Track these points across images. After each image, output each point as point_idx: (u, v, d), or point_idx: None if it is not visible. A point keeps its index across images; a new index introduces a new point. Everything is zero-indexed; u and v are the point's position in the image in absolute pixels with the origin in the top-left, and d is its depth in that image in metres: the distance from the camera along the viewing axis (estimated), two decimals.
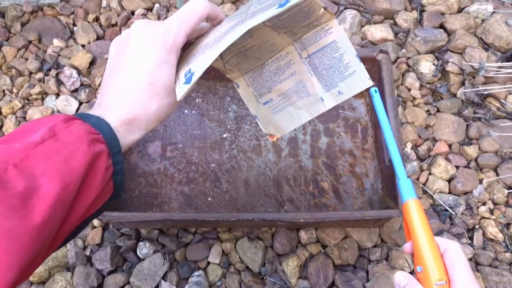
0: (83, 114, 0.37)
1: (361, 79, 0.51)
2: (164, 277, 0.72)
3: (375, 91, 0.51)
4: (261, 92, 0.56)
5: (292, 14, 0.45)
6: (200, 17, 0.40)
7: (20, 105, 0.86)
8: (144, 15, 0.95)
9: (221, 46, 0.38)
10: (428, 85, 0.87)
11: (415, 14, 0.95)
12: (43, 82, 0.88)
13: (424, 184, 0.79)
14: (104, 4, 0.97)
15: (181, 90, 0.39)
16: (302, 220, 0.65)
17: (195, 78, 0.38)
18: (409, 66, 0.90)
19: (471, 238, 0.75)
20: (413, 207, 0.41)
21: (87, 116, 0.37)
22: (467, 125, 0.84)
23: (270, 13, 0.39)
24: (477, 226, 0.77)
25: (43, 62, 0.90)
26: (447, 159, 0.81)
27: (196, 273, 0.72)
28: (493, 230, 0.75)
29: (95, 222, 0.76)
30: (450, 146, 0.83)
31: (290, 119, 0.56)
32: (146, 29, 0.39)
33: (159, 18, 0.95)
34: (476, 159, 0.82)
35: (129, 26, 0.93)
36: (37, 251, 0.31)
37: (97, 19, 0.96)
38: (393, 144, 0.47)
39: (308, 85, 0.54)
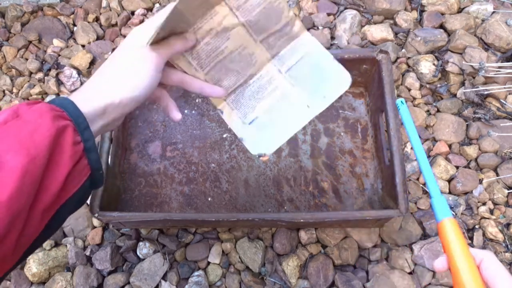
0: (48, 100, 0.38)
1: (343, 80, 0.52)
2: (164, 277, 0.72)
3: (402, 102, 0.50)
4: (246, 112, 0.56)
5: (263, 9, 0.47)
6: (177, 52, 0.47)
7: None
8: (144, 15, 0.95)
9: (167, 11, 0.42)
10: (428, 85, 0.87)
11: (415, 14, 0.95)
12: (43, 82, 0.88)
13: (424, 184, 0.79)
14: (104, 4, 0.97)
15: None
16: (302, 220, 0.65)
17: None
18: (409, 66, 0.90)
19: (471, 238, 0.75)
20: (449, 227, 0.40)
21: (51, 100, 0.38)
22: (467, 125, 0.84)
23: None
24: (477, 226, 0.77)
25: (43, 62, 0.90)
26: (447, 159, 0.81)
27: (196, 273, 0.72)
28: (493, 230, 0.75)
29: (95, 222, 0.76)
30: (450, 146, 0.83)
31: (280, 132, 0.55)
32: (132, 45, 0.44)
33: None
34: (476, 159, 0.82)
35: (130, 27, 0.93)
36: (8, 226, 0.31)
37: (97, 19, 0.96)
38: (425, 162, 0.45)
39: (292, 96, 0.55)
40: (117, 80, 0.42)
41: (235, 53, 0.51)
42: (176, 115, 0.50)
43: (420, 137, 0.82)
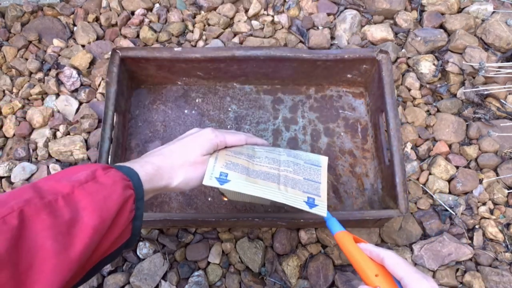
0: (116, 164, 0.44)
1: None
2: (164, 277, 0.72)
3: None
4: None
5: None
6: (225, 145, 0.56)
7: (20, 105, 0.86)
8: (144, 15, 0.95)
9: (255, 192, 0.52)
10: (428, 85, 0.87)
11: (415, 14, 0.95)
12: (43, 82, 0.88)
13: (424, 184, 0.79)
14: (104, 4, 0.97)
15: (211, 181, 0.51)
16: (302, 220, 0.65)
17: (227, 186, 0.51)
18: (409, 66, 0.90)
19: (471, 238, 0.75)
20: (343, 238, 0.50)
21: (119, 166, 0.44)
22: (467, 125, 0.84)
23: (296, 203, 0.53)
24: (477, 226, 0.77)
25: (43, 62, 0.90)
26: (447, 159, 0.81)
27: (196, 273, 0.72)
28: (493, 230, 0.75)
29: None
30: (450, 146, 0.83)
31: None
32: (203, 132, 0.54)
33: (159, 18, 0.95)
34: (476, 159, 0.82)
35: (130, 26, 0.93)
36: (74, 275, 0.35)
37: (97, 19, 0.96)
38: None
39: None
40: (174, 147, 0.51)
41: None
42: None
43: (419, 136, 0.82)
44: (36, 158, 0.81)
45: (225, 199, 0.67)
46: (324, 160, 0.61)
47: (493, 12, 0.94)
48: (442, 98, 0.87)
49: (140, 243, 0.74)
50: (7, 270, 0.31)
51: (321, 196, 0.55)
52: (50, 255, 0.33)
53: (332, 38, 0.93)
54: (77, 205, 0.36)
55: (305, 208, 0.53)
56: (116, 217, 0.39)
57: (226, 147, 0.57)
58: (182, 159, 0.50)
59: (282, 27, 0.94)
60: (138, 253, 0.74)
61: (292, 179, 0.56)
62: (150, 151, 0.53)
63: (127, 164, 0.46)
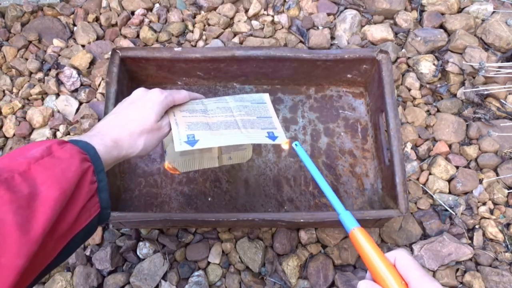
0: (72, 140, 0.44)
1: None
2: (164, 277, 0.72)
3: (296, 145, 0.55)
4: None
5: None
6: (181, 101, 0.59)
7: (20, 105, 0.86)
8: (144, 15, 0.95)
9: (222, 142, 0.56)
10: (428, 85, 0.87)
11: (415, 14, 0.95)
12: (43, 82, 0.88)
13: (424, 184, 0.79)
14: (104, 4, 0.97)
15: (182, 146, 0.54)
16: (302, 220, 0.65)
17: (198, 146, 0.54)
18: (409, 66, 0.90)
19: (471, 238, 0.75)
20: (359, 235, 0.44)
21: (75, 141, 0.44)
22: (467, 125, 0.84)
23: (260, 139, 0.57)
24: (477, 226, 0.77)
25: (43, 62, 0.90)
26: (447, 159, 0.81)
27: (196, 273, 0.72)
28: (493, 230, 0.75)
29: None
30: (450, 146, 0.83)
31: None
32: (152, 96, 0.55)
33: (159, 18, 0.95)
34: (476, 159, 0.82)
35: (129, 27, 0.93)
36: (40, 247, 0.36)
37: (97, 19, 0.96)
38: (325, 185, 0.50)
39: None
40: (128, 115, 0.52)
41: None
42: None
43: (419, 136, 0.82)
44: None
45: (178, 173, 0.71)
46: (266, 96, 0.66)
47: (493, 12, 0.94)
48: (442, 98, 0.87)
49: (140, 243, 0.74)
50: None
51: (277, 128, 0.60)
52: (13, 228, 0.34)
53: (332, 38, 0.93)
54: (35, 180, 0.37)
55: (269, 141, 0.58)
56: (76, 188, 0.39)
57: (175, 106, 0.59)
58: (140, 127, 0.51)
59: (282, 27, 0.94)
60: (138, 253, 0.74)
61: (248, 120, 0.60)
62: (104, 120, 0.52)
63: (83, 138, 0.46)
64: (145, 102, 0.54)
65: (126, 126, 0.51)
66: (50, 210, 0.36)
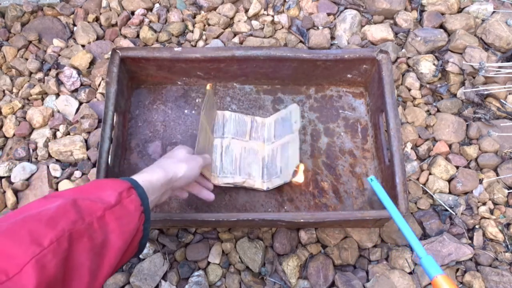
0: (134, 181, 0.50)
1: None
2: (164, 277, 0.72)
3: (371, 179, 0.56)
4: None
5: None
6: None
7: (20, 105, 0.86)
8: (144, 15, 0.95)
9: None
10: (428, 85, 0.87)
11: (415, 14, 0.95)
12: (43, 82, 0.88)
13: (424, 184, 0.79)
14: (104, 4, 0.97)
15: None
16: (302, 220, 0.65)
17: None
18: (409, 66, 0.90)
19: (471, 238, 0.75)
20: (444, 283, 0.42)
21: (137, 184, 0.49)
22: (467, 125, 0.84)
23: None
24: (477, 226, 0.76)
25: (43, 62, 0.90)
26: (447, 159, 0.81)
27: (196, 273, 0.72)
28: (493, 230, 0.75)
29: None
30: (450, 146, 0.83)
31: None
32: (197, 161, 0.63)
33: (159, 18, 0.95)
34: (476, 159, 0.82)
35: (130, 26, 0.93)
36: None
37: (97, 19, 0.96)
38: (408, 229, 0.50)
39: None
40: (174, 168, 0.58)
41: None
42: (208, 196, 0.68)
43: (419, 136, 0.82)
44: (36, 158, 0.81)
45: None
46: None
47: (493, 12, 0.94)
48: (442, 98, 0.87)
49: None
50: (57, 286, 0.36)
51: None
52: (87, 273, 0.38)
53: (332, 38, 0.93)
54: (107, 228, 0.42)
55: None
56: (132, 239, 0.45)
57: None
58: (184, 182, 0.60)
59: (282, 27, 0.94)
60: None
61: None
62: (161, 164, 0.59)
63: (143, 183, 0.51)
64: (193, 164, 0.61)
65: (175, 179, 0.58)
66: (114, 259, 0.42)
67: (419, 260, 0.46)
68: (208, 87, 0.74)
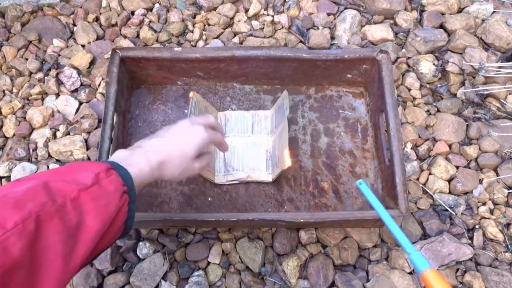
0: (114, 162, 0.47)
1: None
2: (164, 277, 0.72)
3: (360, 183, 0.58)
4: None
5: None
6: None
7: (20, 105, 0.86)
8: (144, 15, 0.95)
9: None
10: (428, 85, 0.87)
11: (415, 14, 0.95)
12: (43, 82, 0.88)
13: (424, 184, 0.79)
14: (104, 4, 0.97)
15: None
16: (302, 220, 0.65)
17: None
18: (409, 66, 0.90)
19: (471, 238, 0.75)
20: (431, 277, 0.43)
21: (117, 166, 0.46)
22: (467, 125, 0.84)
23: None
24: (477, 226, 0.76)
25: (43, 62, 0.90)
26: (447, 159, 0.81)
27: (196, 273, 0.72)
28: (493, 230, 0.75)
29: None
30: (450, 146, 0.83)
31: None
32: (197, 132, 0.57)
33: (159, 18, 0.95)
34: (476, 159, 0.82)
35: (129, 26, 0.93)
36: (74, 274, 0.39)
37: (97, 19, 0.96)
38: (394, 225, 0.51)
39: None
40: (173, 143, 0.54)
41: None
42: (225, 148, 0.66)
43: (419, 136, 0.82)
44: (36, 158, 0.81)
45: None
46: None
47: (493, 12, 0.94)
48: (442, 98, 0.87)
49: (140, 243, 0.74)
50: (23, 270, 0.34)
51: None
52: (59, 257, 0.36)
53: (332, 38, 0.93)
54: (82, 209, 0.39)
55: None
56: (113, 221, 0.43)
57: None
58: (179, 161, 0.54)
59: (282, 27, 0.94)
60: (138, 253, 0.74)
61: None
62: (148, 143, 0.54)
63: (123, 163, 0.47)
64: (189, 137, 0.56)
65: (169, 157, 0.53)
66: (91, 241, 0.39)
67: (408, 256, 0.47)
68: (191, 94, 0.73)
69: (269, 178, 0.76)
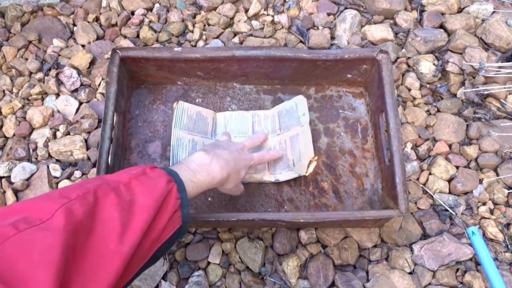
0: (162, 167, 0.53)
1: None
2: (164, 277, 0.72)
3: (472, 232, 0.58)
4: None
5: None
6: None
7: (20, 105, 0.86)
8: (144, 15, 0.95)
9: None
10: (428, 85, 0.87)
11: (415, 14, 0.95)
12: (43, 82, 0.88)
13: (424, 184, 0.79)
14: (104, 4, 0.97)
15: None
16: (302, 220, 0.65)
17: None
18: (409, 66, 0.90)
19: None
20: None
21: (164, 167, 0.53)
22: (467, 125, 0.84)
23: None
24: (477, 226, 0.76)
25: (43, 62, 0.90)
26: (447, 159, 0.81)
27: (196, 273, 0.72)
28: (493, 230, 0.75)
29: None
30: (450, 146, 0.83)
31: None
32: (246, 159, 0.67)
33: (159, 18, 0.95)
34: (476, 159, 0.82)
35: (129, 26, 0.93)
36: (138, 247, 0.43)
37: (97, 19, 0.96)
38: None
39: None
40: (221, 167, 0.58)
41: None
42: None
43: (419, 136, 0.82)
44: (36, 158, 0.81)
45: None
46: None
47: (493, 12, 0.94)
48: (442, 98, 0.87)
49: None
50: (84, 233, 0.39)
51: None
52: (118, 224, 0.41)
53: (332, 38, 0.93)
54: (134, 191, 0.46)
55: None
56: (164, 202, 0.47)
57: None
58: (232, 178, 0.62)
59: (282, 27, 0.94)
60: None
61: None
62: (222, 154, 0.61)
63: (203, 168, 0.57)
64: (241, 159, 0.64)
65: (235, 168, 0.61)
66: (146, 215, 0.44)
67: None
68: (174, 105, 0.77)
69: (271, 178, 0.76)
